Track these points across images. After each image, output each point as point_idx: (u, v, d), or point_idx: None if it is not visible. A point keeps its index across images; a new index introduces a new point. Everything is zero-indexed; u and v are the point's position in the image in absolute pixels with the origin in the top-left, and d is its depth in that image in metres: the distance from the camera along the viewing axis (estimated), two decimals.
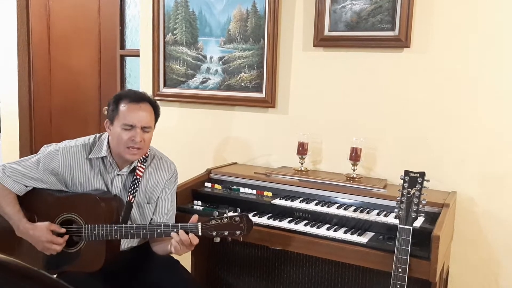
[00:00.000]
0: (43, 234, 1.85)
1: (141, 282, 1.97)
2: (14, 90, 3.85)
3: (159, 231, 1.82)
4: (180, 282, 1.96)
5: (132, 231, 1.83)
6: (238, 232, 1.75)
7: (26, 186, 1.94)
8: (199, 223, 1.79)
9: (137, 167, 1.97)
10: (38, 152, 1.99)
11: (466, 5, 2.17)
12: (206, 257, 2.51)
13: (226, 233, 1.76)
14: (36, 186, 1.96)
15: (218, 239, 1.77)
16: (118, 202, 1.94)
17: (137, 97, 1.91)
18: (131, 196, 1.95)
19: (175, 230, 1.79)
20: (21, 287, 0.69)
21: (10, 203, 1.91)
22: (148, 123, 1.90)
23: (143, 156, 1.99)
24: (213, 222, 1.77)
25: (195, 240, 1.79)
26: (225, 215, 1.77)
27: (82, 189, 1.95)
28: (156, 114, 1.97)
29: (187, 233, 1.78)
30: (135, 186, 1.96)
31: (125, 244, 1.99)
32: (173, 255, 2.04)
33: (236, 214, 1.78)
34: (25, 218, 1.90)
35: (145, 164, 1.99)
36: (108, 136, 1.96)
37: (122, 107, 1.88)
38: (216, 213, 1.80)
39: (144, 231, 1.83)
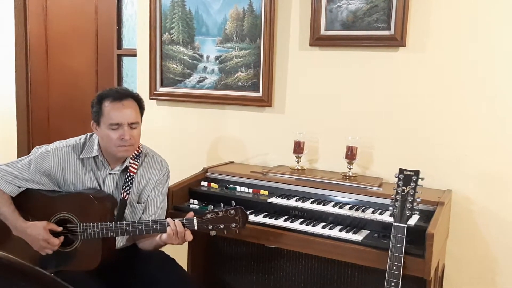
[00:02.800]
0: (40, 233, 1.86)
1: (137, 280, 1.97)
2: (11, 90, 3.85)
3: (154, 227, 1.83)
4: (176, 280, 1.96)
5: (128, 228, 1.84)
6: (233, 225, 1.77)
7: (19, 187, 1.95)
8: (195, 217, 1.80)
9: (129, 165, 1.97)
10: (30, 154, 2.00)
11: (462, 4, 2.18)
12: (203, 255, 2.51)
13: (222, 226, 1.77)
14: (29, 187, 1.96)
15: (214, 233, 1.79)
16: (112, 200, 1.95)
17: (120, 95, 1.91)
18: (125, 194, 1.96)
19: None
20: (14, 284, 0.66)
21: (5, 204, 1.92)
22: (135, 119, 1.90)
23: (135, 153, 1.99)
24: (209, 216, 1.78)
25: (189, 238, 1.81)
26: (220, 208, 1.79)
27: (75, 189, 1.96)
28: (141, 108, 1.97)
29: (183, 226, 1.79)
30: (129, 183, 1.97)
31: (121, 241, 2.00)
32: (170, 254, 2.05)
33: (231, 207, 1.79)
34: (21, 218, 1.91)
35: (138, 161, 2.00)
36: None
37: (106, 106, 1.89)
38: (211, 207, 1.81)
39: (140, 227, 1.84)
